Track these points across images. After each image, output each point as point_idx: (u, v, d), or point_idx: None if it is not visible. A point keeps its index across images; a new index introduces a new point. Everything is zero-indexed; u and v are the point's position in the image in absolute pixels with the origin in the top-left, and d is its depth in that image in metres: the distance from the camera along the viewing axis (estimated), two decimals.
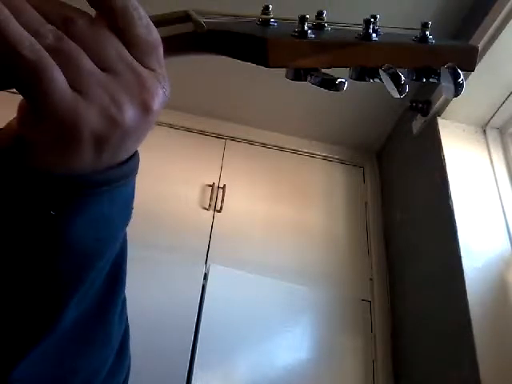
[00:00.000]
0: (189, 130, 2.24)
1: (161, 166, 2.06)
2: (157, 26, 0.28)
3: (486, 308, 1.31)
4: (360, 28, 0.35)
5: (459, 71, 0.34)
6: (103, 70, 0.25)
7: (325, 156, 2.28)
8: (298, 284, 1.86)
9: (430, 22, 0.36)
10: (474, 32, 1.48)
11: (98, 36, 0.25)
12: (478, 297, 1.32)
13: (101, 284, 0.32)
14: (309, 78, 0.34)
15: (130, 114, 0.26)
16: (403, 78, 0.33)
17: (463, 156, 1.60)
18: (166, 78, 0.28)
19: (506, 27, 1.36)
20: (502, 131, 1.67)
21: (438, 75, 0.36)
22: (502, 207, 1.50)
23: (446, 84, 0.35)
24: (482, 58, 1.46)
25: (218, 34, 0.34)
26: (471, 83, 1.54)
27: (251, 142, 2.26)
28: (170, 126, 2.22)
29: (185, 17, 0.33)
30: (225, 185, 2.06)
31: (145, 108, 0.26)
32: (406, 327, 1.74)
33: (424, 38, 0.36)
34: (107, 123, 0.25)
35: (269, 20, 0.35)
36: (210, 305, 1.72)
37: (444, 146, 1.61)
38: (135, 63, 0.26)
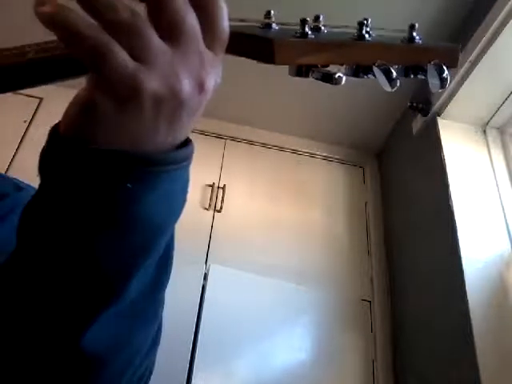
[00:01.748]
0: None
1: None
2: None
3: (486, 308, 1.31)
4: (354, 30, 0.39)
5: (444, 67, 0.38)
6: (171, 43, 0.28)
7: (325, 156, 2.28)
8: (298, 284, 1.86)
9: (416, 24, 0.40)
10: (474, 32, 1.48)
11: (177, 16, 0.27)
12: (478, 297, 1.32)
13: (156, 265, 0.35)
14: (310, 74, 0.37)
15: (186, 86, 0.28)
16: (394, 74, 0.37)
17: (463, 156, 1.60)
18: (221, 66, 0.31)
19: (506, 27, 1.36)
20: (502, 131, 1.67)
21: (425, 71, 0.40)
22: (502, 207, 1.50)
23: (432, 79, 0.39)
24: (481, 57, 1.46)
25: (230, 34, 0.37)
26: (471, 83, 1.54)
27: (251, 142, 2.26)
28: None
29: None
30: (225, 185, 2.06)
31: (200, 85, 0.29)
32: (406, 327, 1.74)
33: (411, 39, 0.40)
34: (166, 90, 0.27)
35: (271, 24, 0.39)
36: (210, 305, 1.72)
37: (444, 146, 1.61)
38: (202, 44, 0.29)
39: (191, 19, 0.28)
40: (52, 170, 0.30)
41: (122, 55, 0.26)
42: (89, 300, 0.31)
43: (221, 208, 1.99)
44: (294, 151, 2.27)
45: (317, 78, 0.37)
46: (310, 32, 0.36)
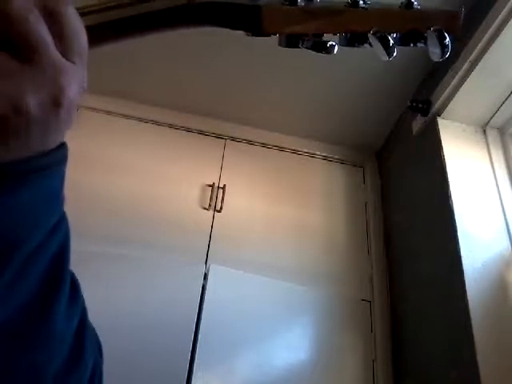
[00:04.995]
0: (189, 130, 2.24)
1: (161, 165, 2.06)
2: (150, 0, 0.30)
3: (486, 308, 1.31)
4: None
5: (445, 33, 0.36)
6: (20, 59, 0.26)
7: (325, 156, 2.28)
8: (297, 284, 1.86)
9: None
10: (474, 32, 1.48)
11: (24, 26, 0.26)
12: (478, 297, 1.32)
13: (37, 283, 0.33)
14: (301, 44, 0.36)
15: (33, 103, 0.26)
16: (391, 41, 0.35)
17: (463, 156, 1.60)
18: (85, 76, 0.29)
19: (506, 27, 1.36)
20: (502, 131, 1.67)
21: (425, 39, 0.37)
22: (502, 207, 1.50)
23: (433, 47, 0.37)
24: (481, 57, 1.46)
25: (211, 5, 0.35)
26: (471, 83, 1.54)
27: (251, 142, 2.26)
28: (170, 126, 2.22)
29: None
30: (225, 185, 2.06)
31: (55, 100, 0.27)
32: (406, 327, 1.74)
33: (409, 4, 0.38)
34: (9, 108, 0.26)
35: None
36: (210, 305, 1.72)
37: (444, 146, 1.61)
38: (55, 56, 0.27)
39: (39, 31, 0.26)
40: None
41: None
42: None
43: (221, 208, 1.99)
44: (294, 151, 2.27)
45: (307, 48, 0.35)
46: (300, 0, 0.34)
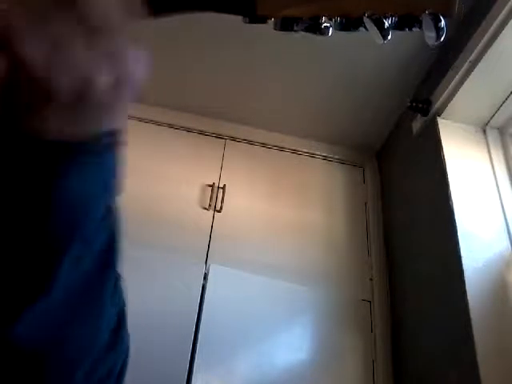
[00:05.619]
0: (189, 130, 2.23)
1: (161, 165, 2.06)
2: None
3: (486, 308, 1.31)
4: None
5: (440, 16, 0.36)
6: (56, 46, 0.27)
7: (325, 156, 2.28)
8: (297, 284, 1.86)
9: None
10: (474, 32, 1.48)
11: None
12: (478, 297, 1.32)
13: (94, 258, 0.35)
14: (295, 26, 0.36)
15: (104, 81, 0.28)
16: (386, 23, 0.35)
17: (463, 156, 1.60)
18: (123, 58, 0.30)
19: (506, 27, 1.36)
20: (501, 131, 1.67)
21: (420, 23, 0.37)
22: (502, 207, 1.50)
23: (428, 31, 0.37)
24: (482, 57, 1.46)
25: None
26: (471, 83, 1.54)
27: (251, 142, 2.25)
28: (170, 125, 2.22)
29: None
30: (225, 185, 2.06)
31: (121, 81, 0.29)
32: (406, 327, 1.74)
33: None
34: (84, 83, 0.27)
35: None
36: (210, 305, 1.72)
37: (444, 145, 1.61)
38: (89, 42, 0.28)
39: (115, 17, 0.28)
40: None
41: (36, 48, 0.26)
42: (17, 291, 0.31)
43: (221, 208, 1.99)
44: (294, 151, 2.27)
45: (302, 30, 0.35)
46: None
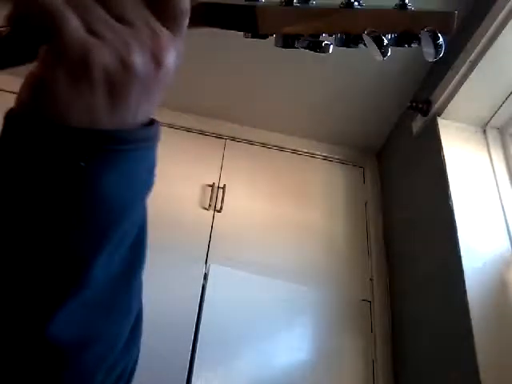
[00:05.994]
0: (189, 130, 2.24)
1: (161, 165, 2.04)
2: None
3: (485, 308, 1.31)
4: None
5: (438, 34, 0.37)
6: (120, 21, 0.28)
7: (325, 156, 2.28)
8: (298, 284, 1.86)
9: None
10: (474, 32, 1.48)
11: None
12: (478, 297, 1.32)
13: (127, 252, 0.34)
14: (296, 43, 0.36)
15: (139, 60, 0.27)
16: (385, 41, 0.36)
17: (463, 156, 1.60)
18: (181, 46, 0.31)
19: (506, 27, 1.36)
20: (501, 131, 1.67)
21: (419, 40, 0.38)
22: (502, 207, 1.50)
23: (427, 48, 0.37)
24: (482, 57, 1.46)
25: (209, 6, 0.36)
26: (471, 83, 1.54)
27: (251, 142, 2.26)
28: (170, 126, 2.22)
29: None
30: (225, 185, 2.06)
31: (155, 60, 0.28)
32: (405, 327, 1.74)
33: (404, 5, 0.38)
34: (117, 64, 0.27)
35: None
36: (210, 305, 1.72)
37: (444, 145, 1.61)
38: (156, 24, 0.29)
39: (136, 1, 0.28)
40: (8, 150, 0.28)
41: (76, 23, 0.26)
42: (50, 289, 0.30)
43: (221, 208, 1.99)
44: (294, 151, 2.27)
45: (303, 47, 0.36)
46: (296, 0, 0.35)
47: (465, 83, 1.54)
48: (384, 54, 0.36)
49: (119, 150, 0.29)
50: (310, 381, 1.67)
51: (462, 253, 1.39)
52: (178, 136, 2.21)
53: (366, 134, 2.23)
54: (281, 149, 2.26)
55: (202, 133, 2.24)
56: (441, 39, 0.36)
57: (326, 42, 0.35)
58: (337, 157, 2.28)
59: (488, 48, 1.43)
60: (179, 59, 0.31)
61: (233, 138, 2.25)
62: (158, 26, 0.29)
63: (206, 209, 1.99)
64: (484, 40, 1.43)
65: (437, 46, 0.37)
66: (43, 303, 0.30)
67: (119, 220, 0.31)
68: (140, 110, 0.30)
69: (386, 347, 1.77)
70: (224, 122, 2.25)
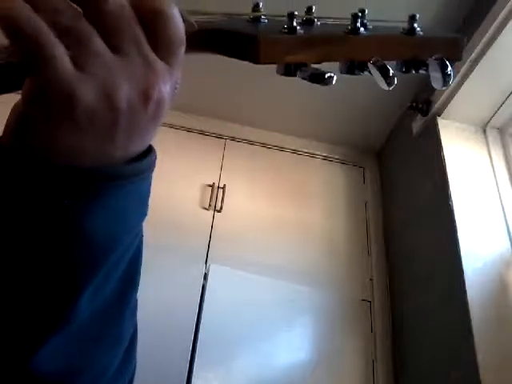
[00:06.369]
0: (189, 130, 2.24)
1: (161, 165, 2.04)
2: None
3: (485, 308, 1.31)
4: (349, 22, 0.36)
5: (447, 62, 0.35)
6: (114, 50, 0.26)
7: (325, 156, 2.28)
8: (298, 284, 1.86)
9: (417, 15, 0.37)
10: (474, 32, 1.48)
11: (119, 21, 0.26)
12: (478, 297, 1.32)
13: (117, 282, 0.33)
14: (298, 73, 0.35)
15: (125, 97, 0.26)
16: (391, 71, 0.34)
17: (463, 156, 1.60)
18: (177, 79, 0.30)
19: (506, 27, 1.36)
20: (501, 131, 1.67)
21: (427, 66, 0.37)
22: (502, 207, 1.50)
23: (435, 75, 0.36)
24: (482, 57, 1.46)
25: (209, 33, 0.35)
26: (471, 83, 1.54)
27: (251, 142, 2.26)
28: (170, 126, 2.22)
29: None
30: (225, 185, 2.06)
31: (145, 95, 0.27)
32: (406, 327, 1.74)
33: (412, 30, 0.37)
34: (102, 102, 0.25)
35: (259, 17, 0.36)
36: (210, 305, 1.72)
37: (444, 145, 1.61)
38: (150, 53, 0.27)
39: (131, 27, 0.26)
40: None
41: (64, 60, 0.24)
42: (36, 324, 0.30)
43: (221, 208, 1.99)
44: (294, 151, 2.27)
45: (304, 78, 0.34)
46: (299, 27, 0.33)
47: (465, 83, 1.54)
48: (390, 84, 0.34)
49: (104, 187, 0.28)
50: (310, 381, 1.67)
51: (462, 253, 1.39)
52: (178, 136, 2.21)
53: (366, 133, 2.23)
54: (281, 149, 2.26)
55: (201, 133, 2.24)
56: (449, 68, 0.35)
57: (328, 75, 0.33)
58: (337, 157, 2.28)
59: (488, 48, 1.43)
60: (175, 89, 0.30)
61: (233, 138, 2.25)
62: (152, 56, 0.27)
63: (206, 209, 1.99)
64: (484, 40, 1.43)
65: (445, 75, 0.35)
66: (28, 338, 0.30)
67: (106, 255, 0.30)
68: (131, 145, 0.29)
69: (386, 347, 1.77)
70: (224, 122, 2.25)
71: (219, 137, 2.24)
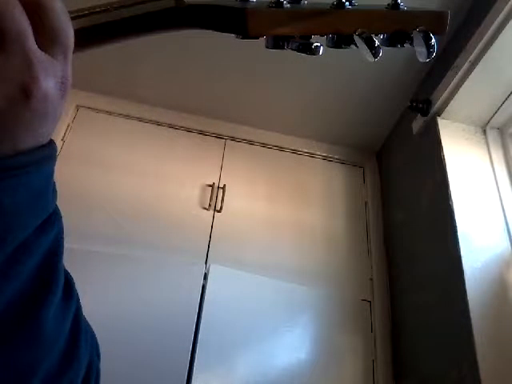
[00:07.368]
0: (189, 130, 2.24)
1: (161, 165, 2.06)
2: (138, 4, 0.31)
3: (485, 308, 1.31)
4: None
5: (430, 34, 0.36)
6: None
7: (325, 156, 2.28)
8: (298, 284, 1.86)
9: None
10: (474, 32, 1.48)
11: (1, 16, 0.26)
12: (478, 297, 1.32)
13: (23, 283, 0.32)
14: (286, 45, 0.36)
15: (1, 94, 0.26)
16: (377, 42, 0.35)
17: (463, 156, 1.60)
18: (67, 71, 0.29)
19: (506, 27, 1.36)
20: (502, 131, 1.67)
21: (411, 39, 0.37)
22: (502, 207, 1.50)
23: (419, 48, 0.37)
24: (481, 57, 1.46)
25: (199, 8, 0.36)
26: (471, 83, 1.54)
27: (251, 142, 2.26)
28: (170, 126, 2.22)
29: None
30: (225, 185, 2.06)
31: (25, 91, 0.27)
32: (406, 327, 1.74)
33: (396, 5, 0.38)
34: None
35: None
36: (210, 305, 1.72)
37: (444, 146, 1.61)
38: (33, 48, 0.27)
39: (16, 18, 0.26)
40: None
41: None
42: None
43: (221, 208, 1.99)
44: (294, 151, 2.27)
45: (293, 49, 0.35)
46: (285, 1, 0.35)
47: (465, 83, 1.54)
48: (375, 55, 0.35)
49: None
50: (310, 380, 1.67)
51: (462, 253, 1.39)
52: (178, 136, 2.21)
53: (366, 133, 2.23)
54: (281, 149, 2.26)
55: (201, 133, 2.24)
56: (433, 40, 0.36)
57: (316, 44, 0.34)
58: (337, 157, 2.28)
59: (488, 48, 1.43)
60: (66, 81, 0.29)
61: (233, 138, 2.25)
62: (34, 51, 0.27)
63: (205, 209, 1.99)
64: (484, 40, 1.43)
65: (429, 47, 0.36)
66: None
67: None
68: (17, 140, 0.28)
69: (386, 347, 1.77)
70: (224, 122, 2.25)
71: (219, 137, 2.24)
